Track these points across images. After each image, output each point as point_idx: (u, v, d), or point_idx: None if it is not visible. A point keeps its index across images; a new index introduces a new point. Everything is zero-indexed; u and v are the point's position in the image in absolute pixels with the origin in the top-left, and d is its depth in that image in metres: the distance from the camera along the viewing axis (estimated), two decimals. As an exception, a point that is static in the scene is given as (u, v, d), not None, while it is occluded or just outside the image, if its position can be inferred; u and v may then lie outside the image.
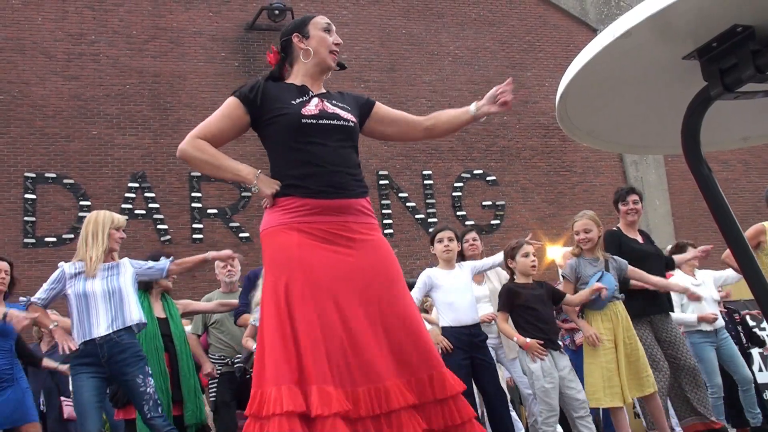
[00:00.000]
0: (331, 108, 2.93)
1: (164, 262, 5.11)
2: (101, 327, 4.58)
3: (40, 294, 4.77)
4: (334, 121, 2.89)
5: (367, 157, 11.68)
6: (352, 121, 2.96)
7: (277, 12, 11.37)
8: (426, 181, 12.30)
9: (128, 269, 4.88)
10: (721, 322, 6.70)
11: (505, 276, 5.88)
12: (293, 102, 2.89)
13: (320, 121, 2.85)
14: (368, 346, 2.63)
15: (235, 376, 5.75)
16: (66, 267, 4.76)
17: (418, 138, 3.28)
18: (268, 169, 2.94)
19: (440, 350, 5.11)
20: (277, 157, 2.89)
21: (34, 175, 10.31)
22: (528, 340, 5.00)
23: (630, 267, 5.32)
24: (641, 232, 5.85)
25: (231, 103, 2.94)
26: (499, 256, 5.45)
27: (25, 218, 10.15)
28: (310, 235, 2.72)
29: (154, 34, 11.46)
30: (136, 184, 10.75)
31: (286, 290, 2.63)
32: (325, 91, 3.07)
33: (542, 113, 13.20)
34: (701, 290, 6.77)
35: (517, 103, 13.25)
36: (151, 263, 5.13)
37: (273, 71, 3.10)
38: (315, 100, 2.93)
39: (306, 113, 2.85)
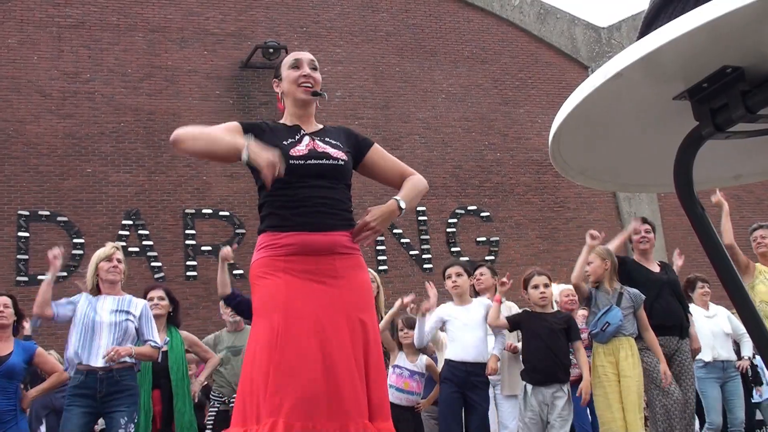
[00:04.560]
0: (321, 147, 2.93)
1: (155, 343, 5.00)
2: (98, 359, 4.64)
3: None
4: (323, 161, 2.88)
5: (361, 193, 11.66)
6: (342, 160, 2.94)
7: (271, 50, 11.46)
8: (420, 218, 12.31)
9: (138, 308, 4.97)
10: (731, 357, 6.66)
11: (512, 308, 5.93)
12: (284, 143, 2.89)
13: (308, 162, 2.85)
14: (352, 385, 2.63)
15: (230, 415, 5.67)
16: (84, 295, 4.90)
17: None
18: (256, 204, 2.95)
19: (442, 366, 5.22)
20: (265, 194, 2.89)
21: (27, 213, 10.29)
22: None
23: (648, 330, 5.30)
24: (661, 264, 5.86)
25: (234, 125, 2.93)
26: (501, 342, 5.41)
27: (18, 256, 10.11)
28: (296, 274, 2.72)
29: (150, 72, 11.53)
30: (130, 222, 10.73)
31: (273, 330, 2.64)
32: (319, 127, 3.08)
33: (535, 149, 13.26)
34: (713, 323, 6.74)
35: (510, 140, 13.35)
36: (151, 329, 5.03)
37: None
38: (306, 140, 2.94)
39: (294, 154, 2.85)
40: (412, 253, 12.07)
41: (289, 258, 2.73)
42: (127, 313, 4.88)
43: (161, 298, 5.66)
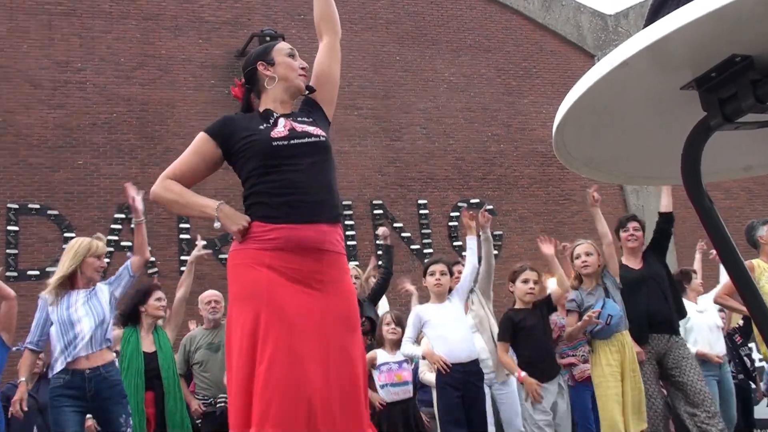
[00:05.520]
0: (299, 126, 2.90)
1: (124, 266, 5.10)
2: (82, 349, 4.61)
3: (31, 337, 4.83)
4: (306, 139, 2.86)
5: (361, 186, 11.56)
6: (322, 136, 2.93)
7: (267, 39, 11.23)
8: (421, 211, 12.19)
9: (104, 292, 4.91)
10: (723, 351, 6.54)
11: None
12: (260, 128, 2.87)
13: (291, 142, 2.83)
14: (327, 391, 2.61)
15: (217, 416, 5.83)
16: (46, 296, 4.79)
17: (334, 45, 3.20)
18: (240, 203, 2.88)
19: (436, 369, 5.15)
20: (250, 184, 2.85)
21: (17, 206, 10.13)
22: (524, 374, 5.06)
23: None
24: (644, 256, 5.66)
25: (201, 138, 2.95)
26: (473, 258, 5.41)
27: (8, 251, 9.94)
28: (281, 273, 2.68)
29: (143, 61, 11.36)
30: (123, 215, 10.50)
31: (253, 327, 2.61)
32: (288, 110, 3.04)
33: (540, 141, 13.09)
34: (704, 317, 6.64)
35: (514, 131, 13.15)
36: (118, 274, 5.09)
37: (242, 106, 3.11)
38: (282, 121, 2.93)
39: (275, 135, 2.83)
40: (413, 247, 11.92)
41: (274, 254, 2.69)
42: (98, 298, 4.82)
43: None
